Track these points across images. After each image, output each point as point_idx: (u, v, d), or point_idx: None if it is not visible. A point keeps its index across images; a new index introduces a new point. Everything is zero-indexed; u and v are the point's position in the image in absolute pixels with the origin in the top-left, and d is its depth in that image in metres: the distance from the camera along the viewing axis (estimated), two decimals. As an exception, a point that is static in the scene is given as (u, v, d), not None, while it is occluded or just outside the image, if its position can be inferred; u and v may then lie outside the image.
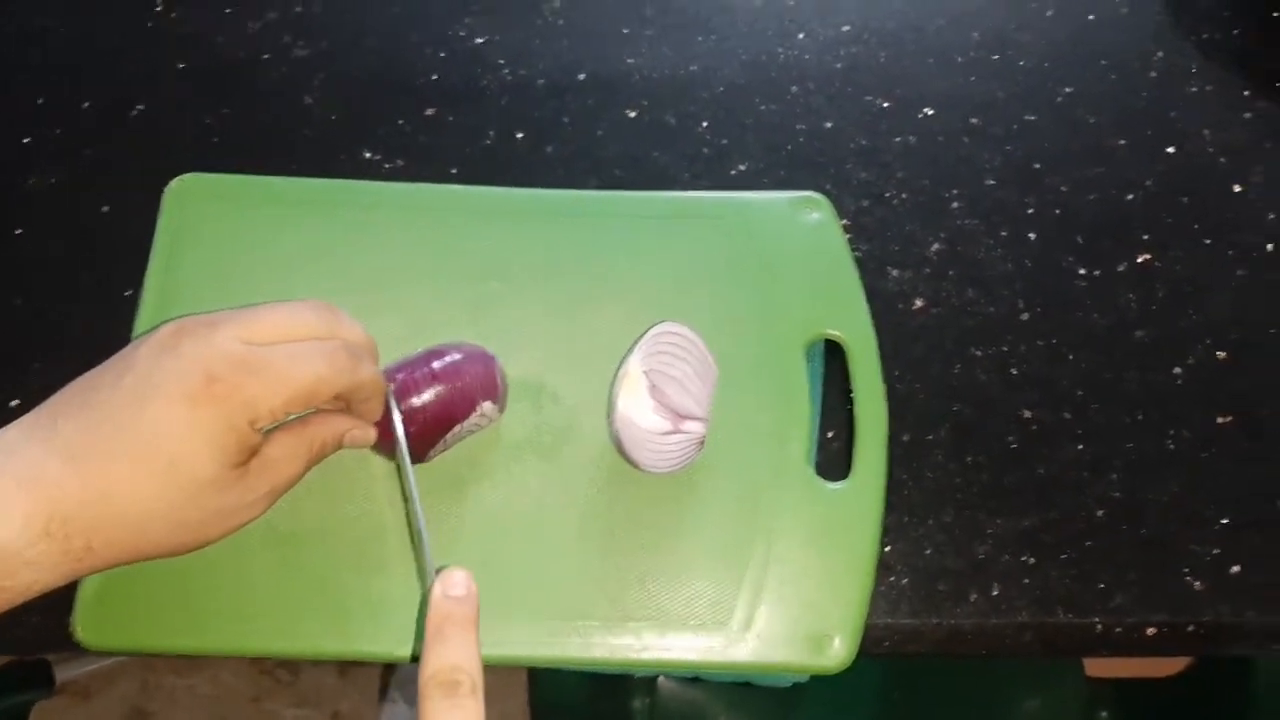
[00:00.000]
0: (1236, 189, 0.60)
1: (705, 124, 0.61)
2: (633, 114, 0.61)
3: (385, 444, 0.48)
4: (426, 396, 0.47)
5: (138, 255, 0.55)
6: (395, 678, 1.24)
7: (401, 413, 0.47)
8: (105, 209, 0.58)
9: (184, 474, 0.40)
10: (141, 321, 0.53)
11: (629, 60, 0.63)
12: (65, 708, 1.24)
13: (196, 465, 0.40)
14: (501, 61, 0.63)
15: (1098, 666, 0.89)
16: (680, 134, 0.61)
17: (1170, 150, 0.61)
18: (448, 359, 0.48)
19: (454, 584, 0.37)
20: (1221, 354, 0.56)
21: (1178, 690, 0.90)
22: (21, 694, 1.01)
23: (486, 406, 0.49)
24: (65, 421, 0.40)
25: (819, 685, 0.80)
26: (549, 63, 0.63)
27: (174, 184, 0.57)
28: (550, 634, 0.48)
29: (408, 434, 0.47)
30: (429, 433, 0.48)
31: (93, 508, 0.39)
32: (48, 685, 1.07)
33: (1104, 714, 0.93)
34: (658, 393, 0.48)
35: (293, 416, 0.44)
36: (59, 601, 0.47)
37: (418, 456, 0.49)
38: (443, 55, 0.63)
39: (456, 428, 0.48)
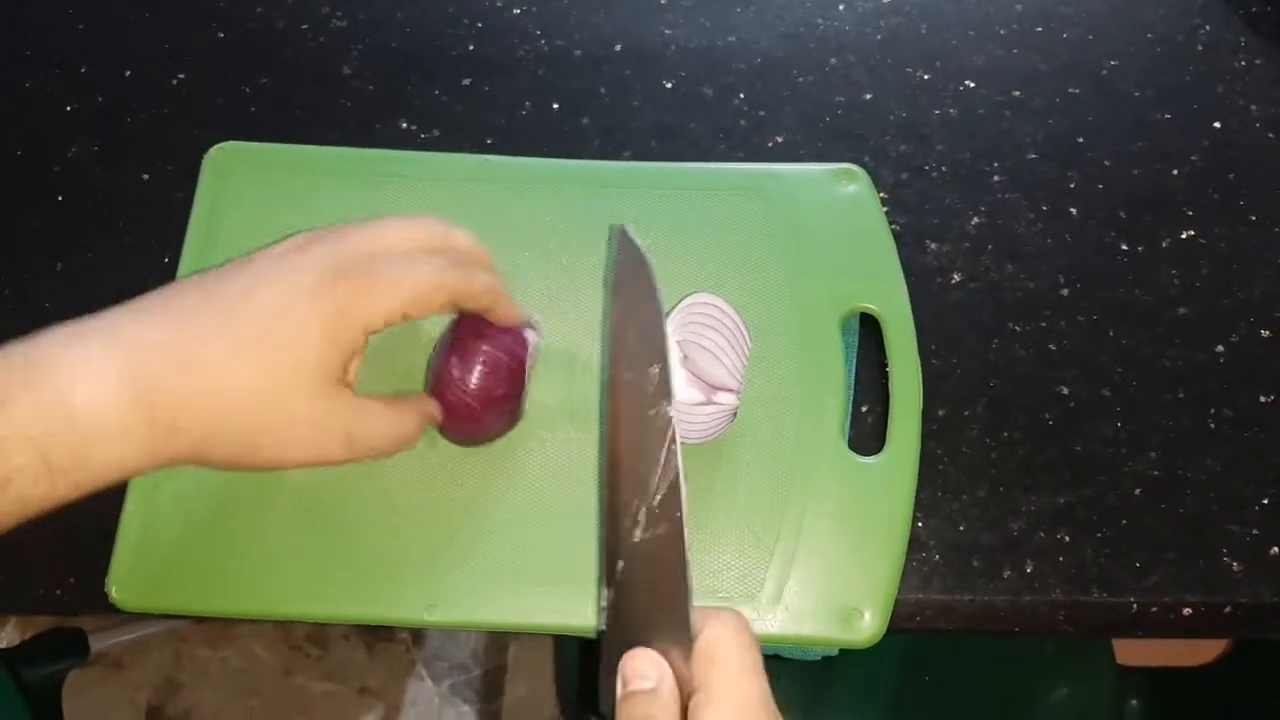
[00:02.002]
0: (1284, 165, 0.59)
1: (742, 95, 0.61)
2: (669, 85, 0.61)
3: (464, 429, 0.48)
4: (469, 374, 0.47)
5: (177, 222, 0.55)
6: (422, 654, 1.26)
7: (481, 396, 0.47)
8: (146, 176, 0.59)
9: (291, 356, 0.40)
10: (179, 287, 0.54)
11: (666, 31, 0.63)
12: (99, 678, 1.27)
13: (305, 350, 0.40)
14: (538, 32, 0.63)
15: (1129, 654, 0.88)
16: (716, 105, 0.60)
17: (1216, 125, 0.60)
18: (467, 338, 0.47)
19: (639, 676, 0.36)
20: (1265, 332, 0.55)
21: (1211, 679, 0.89)
22: (56, 663, 1.02)
23: (531, 336, 0.49)
24: (178, 299, 0.40)
25: (848, 664, 0.80)
26: (585, 33, 0.63)
27: (213, 152, 0.57)
28: (579, 602, 0.48)
29: (508, 410, 0.48)
30: (512, 393, 0.48)
31: (187, 380, 0.38)
32: (82, 654, 1.08)
33: (1134, 702, 0.92)
34: (690, 363, 0.48)
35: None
36: (95, 564, 0.48)
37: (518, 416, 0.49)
38: (480, 26, 0.63)
39: (527, 372, 0.48)
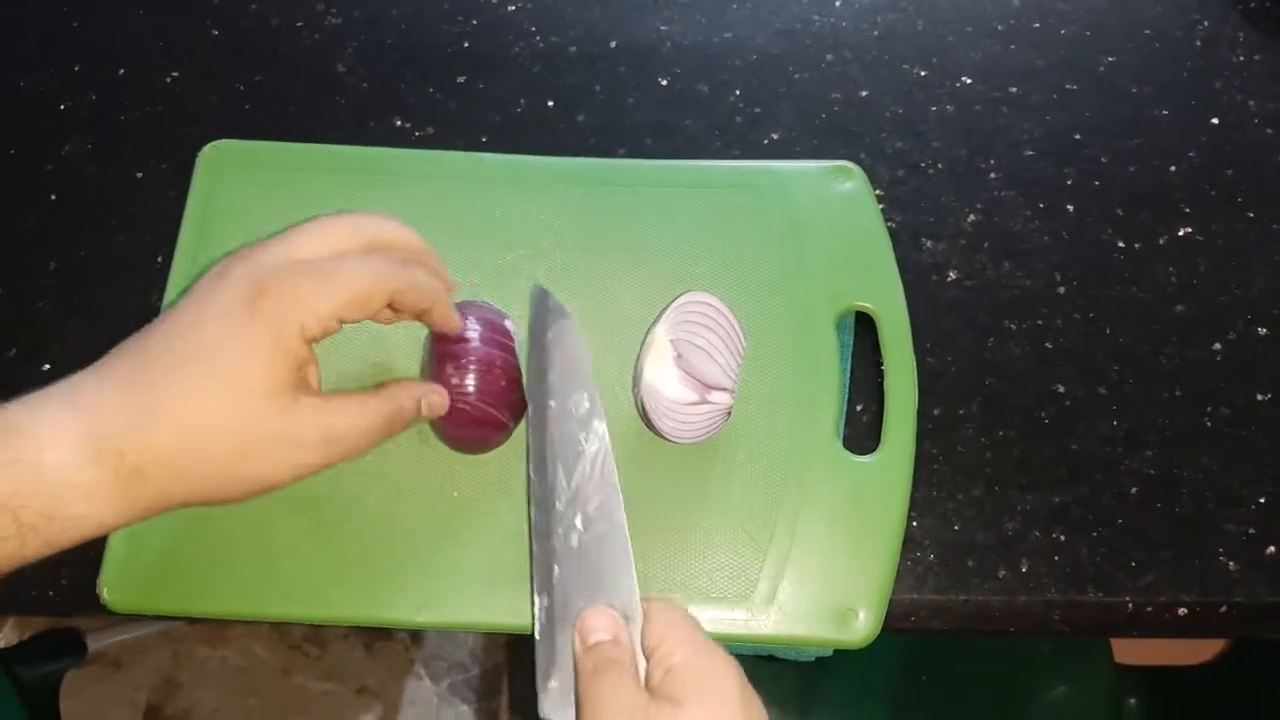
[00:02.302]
0: (1282, 162, 0.58)
1: (738, 92, 0.60)
2: (664, 82, 0.61)
3: (464, 436, 0.48)
4: (470, 377, 0.46)
5: (171, 221, 0.55)
6: (421, 654, 1.25)
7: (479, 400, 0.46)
8: (139, 175, 0.59)
9: (239, 383, 0.39)
10: (173, 287, 0.53)
11: (661, 28, 0.63)
12: (97, 677, 1.26)
13: (250, 373, 0.39)
14: (533, 29, 0.63)
15: (1127, 653, 0.88)
16: (712, 102, 0.60)
17: (1214, 121, 0.59)
18: (452, 344, 0.47)
19: (597, 629, 0.40)
20: (1263, 330, 0.54)
21: (1209, 678, 0.89)
22: (54, 663, 1.02)
23: (510, 326, 0.49)
24: (127, 358, 0.40)
25: (844, 664, 0.80)
26: (581, 30, 0.63)
27: (207, 150, 0.57)
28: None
29: (514, 402, 0.47)
30: (511, 396, 0.48)
31: (147, 427, 0.38)
32: (80, 654, 1.08)
33: (1133, 701, 0.92)
34: (684, 362, 0.48)
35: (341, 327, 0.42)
36: (87, 564, 0.48)
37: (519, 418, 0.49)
38: (475, 23, 0.63)
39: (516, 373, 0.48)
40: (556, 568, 0.44)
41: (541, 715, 0.41)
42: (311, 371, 0.43)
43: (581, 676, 0.40)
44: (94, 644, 1.13)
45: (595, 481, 0.45)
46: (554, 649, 0.42)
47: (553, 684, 0.42)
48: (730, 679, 0.38)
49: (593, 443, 0.45)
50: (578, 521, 0.44)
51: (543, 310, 0.49)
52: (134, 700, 1.25)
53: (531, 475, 0.47)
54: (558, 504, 0.45)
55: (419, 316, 0.45)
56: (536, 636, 0.43)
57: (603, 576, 0.43)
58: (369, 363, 0.52)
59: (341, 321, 0.41)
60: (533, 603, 0.44)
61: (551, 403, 0.47)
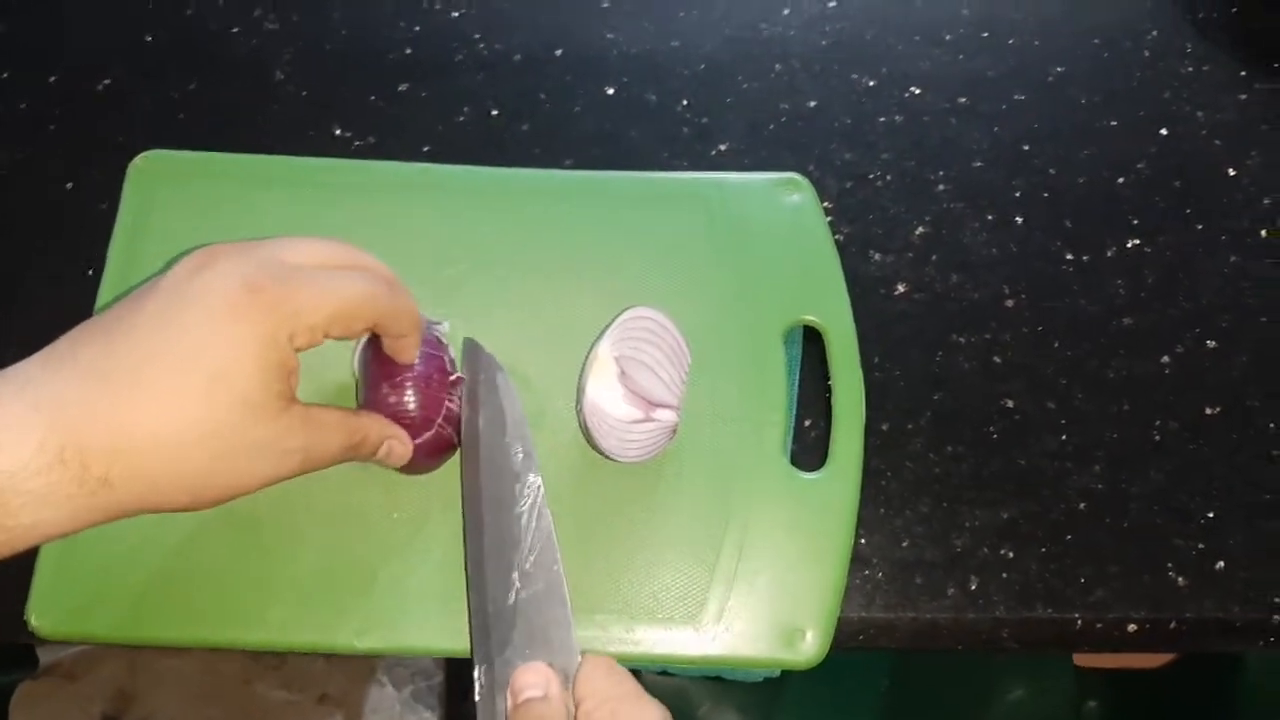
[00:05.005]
0: (1230, 172, 0.58)
1: (686, 102, 0.59)
2: (611, 91, 0.60)
3: (422, 460, 0.47)
4: (411, 398, 0.45)
5: (101, 232, 0.53)
6: (383, 661, 1.24)
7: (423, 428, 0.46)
8: (69, 185, 0.57)
9: (227, 391, 0.37)
10: (103, 299, 0.52)
11: (608, 35, 0.62)
12: (50, 690, 1.24)
13: (241, 380, 0.37)
14: (477, 35, 0.61)
15: (1087, 657, 0.88)
16: (660, 112, 0.59)
17: (1163, 132, 0.59)
18: (386, 363, 0.46)
19: (529, 686, 0.40)
20: (1211, 343, 0.54)
21: (1167, 681, 0.89)
22: (4, 676, 1.00)
23: (443, 328, 0.48)
24: (85, 348, 0.37)
25: (799, 673, 0.80)
26: (525, 37, 0.61)
27: (138, 161, 0.55)
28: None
29: (447, 443, 0.47)
30: (454, 413, 0.47)
31: (118, 432, 0.35)
32: (31, 667, 1.06)
33: (1092, 704, 0.93)
34: (627, 379, 0.47)
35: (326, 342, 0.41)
36: (12, 588, 0.47)
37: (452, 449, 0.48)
38: (417, 29, 0.62)
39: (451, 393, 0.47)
40: (493, 631, 0.43)
41: None
42: (295, 379, 0.40)
43: None
44: (46, 656, 1.11)
45: (531, 536, 0.44)
46: (494, 714, 0.41)
47: None
48: None
49: (528, 496, 0.45)
50: (515, 578, 0.44)
51: (474, 362, 0.49)
52: (88, 712, 1.23)
53: (467, 530, 0.46)
54: (492, 563, 0.44)
55: (392, 338, 0.44)
56: (477, 700, 0.42)
57: (540, 635, 0.43)
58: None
59: (326, 335, 0.40)
60: (472, 667, 0.43)
61: (484, 456, 0.46)
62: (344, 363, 0.49)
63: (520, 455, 0.46)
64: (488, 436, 0.46)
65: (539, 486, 0.45)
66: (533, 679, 0.40)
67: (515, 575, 0.44)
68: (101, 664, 1.24)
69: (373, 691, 1.29)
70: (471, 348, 0.49)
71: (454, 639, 0.46)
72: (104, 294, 0.52)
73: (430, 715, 1.28)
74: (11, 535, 0.35)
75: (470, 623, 0.44)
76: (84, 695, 1.26)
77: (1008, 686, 0.91)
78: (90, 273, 0.54)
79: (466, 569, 0.46)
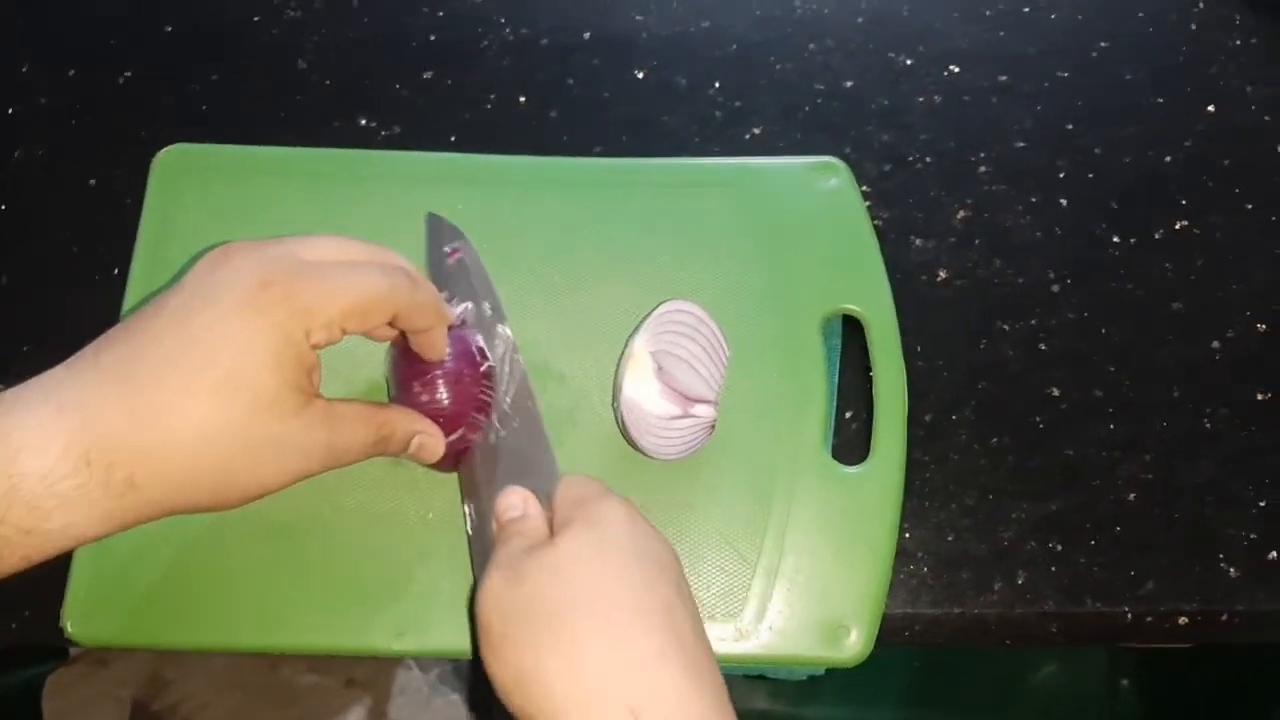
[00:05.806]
0: (1281, 150, 0.56)
1: (717, 85, 0.58)
2: (641, 75, 0.58)
3: (457, 456, 0.46)
4: (443, 394, 0.45)
5: (127, 231, 0.53)
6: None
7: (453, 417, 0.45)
8: (92, 182, 0.56)
9: (243, 388, 0.37)
10: (130, 298, 0.51)
11: (637, 17, 0.60)
12: (82, 676, 1.24)
13: (256, 377, 0.37)
14: (503, 20, 0.60)
15: (1122, 637, 0.87)
16: (691, 96, 0.58)
17: (1210, 109, 0.57)
18: (416, 360, 0.45)
19: (508, 507, 0.42)
20: (1262, 326, 0.53)
21: (1201, 659, 0.89)
22: (35, 666, 1.00)
23: (482, 343, 0.48)
24: (109, 351, 0.37)
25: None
26: (553, 21, 0.60)
27: (161, 155, 0.54)
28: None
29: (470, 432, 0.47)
30: (488, 391, 0.47)
31: (140, 432, 0.36)
32: (62, 656, 1.07)
33: (1125, 682, 0.92)
34: (665, 375, 0.46)
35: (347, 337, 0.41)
36: (50, 595, 0.46)
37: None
38: (441, 14, 0.60)
39: (489, 379, 0.47)
40: (479, 470, 0.46)
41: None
42: (316, 375, 0.40)
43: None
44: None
45: (506, 380, 0.48)
46: (485, 547, 0.44)
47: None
48: (610, 509, 0.40)
49: (499, 345, 0.48)
50: (494, 419, 0.47)
51: (438, 233, 0.51)
52: (119, 698, 1.24)
53: None
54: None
55: (416, 333, 0.43)
56: (470, 534, 0.46)
57: (521, 466, 0.46)
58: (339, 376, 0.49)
59: (344, 331, 0.39)
60: (463, 510, 0.47)
61: (456, 312, 0.48)
62: (377, 362, 0.48)
63: (489, 311, 0.49)
64: (458, 295, 0.50)
65: (509, 337, 0.49)
66: (513, 499, 0.43)
67: (495, 417, 0.47)
68: (132, 650, 1.25)
69: (400, 674, 1.30)
70: (434, 220, 0.52)
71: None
72: (131, 293, 0.51)
73: (457, 697, 1.28)
74: (45, 539, 0.35)
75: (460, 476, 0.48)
76: (115, 680, 1.26)
77: (1040, 664, 0.91)
78: (116, 271, 0.53)
79: None
